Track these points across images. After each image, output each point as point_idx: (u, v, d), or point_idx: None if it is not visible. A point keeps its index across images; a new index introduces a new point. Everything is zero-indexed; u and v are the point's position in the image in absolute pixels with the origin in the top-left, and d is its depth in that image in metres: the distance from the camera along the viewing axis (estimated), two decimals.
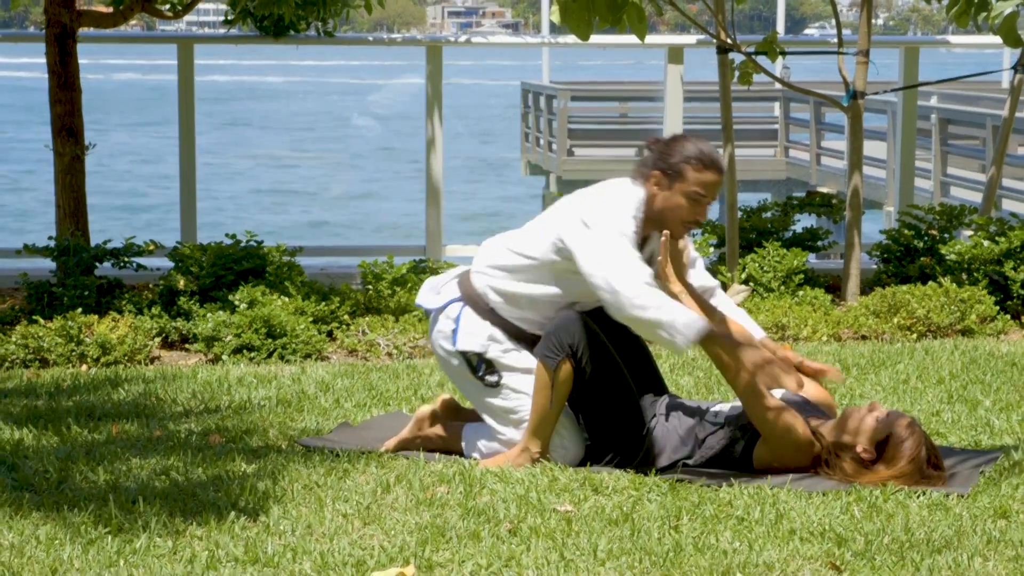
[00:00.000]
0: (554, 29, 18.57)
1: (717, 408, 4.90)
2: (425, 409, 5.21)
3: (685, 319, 4.66)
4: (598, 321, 4.87)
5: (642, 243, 4.91)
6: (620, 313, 4.72)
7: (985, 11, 7.63)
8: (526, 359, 4.95)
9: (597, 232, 4.76)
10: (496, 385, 4.96)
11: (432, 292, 5.14)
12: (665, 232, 4.86)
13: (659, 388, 5.03)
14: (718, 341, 4.68)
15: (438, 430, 5.18)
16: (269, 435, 5.41)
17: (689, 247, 5.07)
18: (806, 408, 4.84)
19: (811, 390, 4.97)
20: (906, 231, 8.54)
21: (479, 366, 4.97)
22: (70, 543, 4.04)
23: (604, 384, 4.86)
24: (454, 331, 5.00)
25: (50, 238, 7.93)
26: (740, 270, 8.22)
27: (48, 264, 8.17)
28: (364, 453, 5.05)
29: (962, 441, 5.24)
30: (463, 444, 5.13)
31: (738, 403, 4.86)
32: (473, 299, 5.00)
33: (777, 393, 4.81)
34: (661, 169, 4.86)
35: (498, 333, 4.97)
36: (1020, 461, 4.83)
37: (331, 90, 59.55)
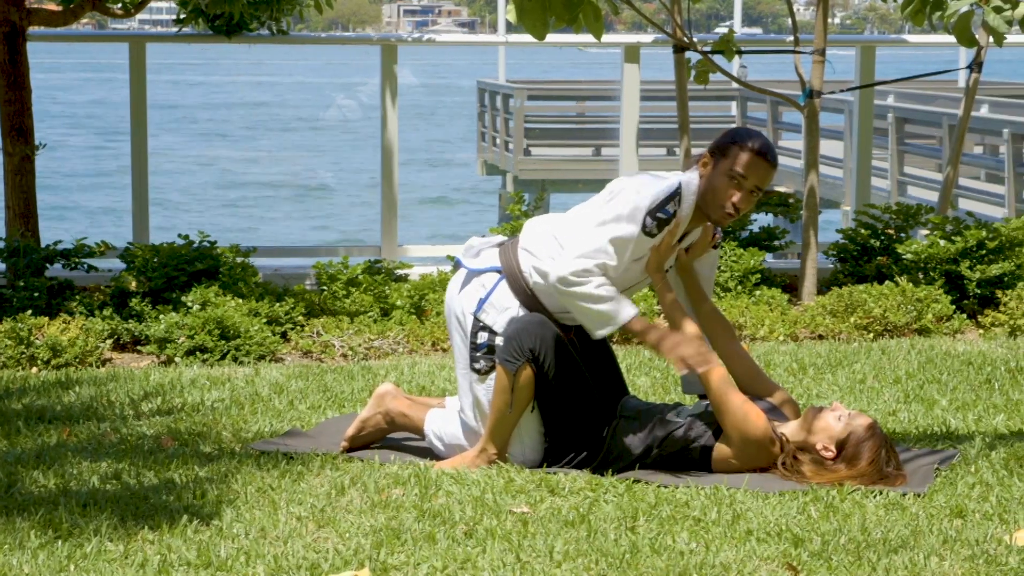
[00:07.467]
0: (510, 28, 18.56)
1: (678, 408, 4.88)
2: (387, 385, 5.17)
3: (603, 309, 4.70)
4: (559, 322, 4.85)
5: (684, 235, 4.89)
6: (549, 279, 4.74)
7: (940, 10, 7.64)
8: None
9: (608, 208, 4.75)
10: (483, 373, 4.90)
11: (471, 252, 5.03)
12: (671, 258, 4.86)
13: (620, 388, 5.00)
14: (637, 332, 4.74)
15: (401, 406, 5.13)
16: (222, 438, 5.36)
17: (712, 261, 5.06)
18: (771, 412, 4.83)
19: (776, 396, 4.96)
20: (863, 230, 8.55)
21: (482, 346, 4.90)
22: (19, 548, 3.99)
23: (565, 385, 4.82)
24: (481, 299, 4.91)
25: None
26: None
27: None
28: (318, 455, 5.00)
29: (919, 441, 5.24)
30: (425, 425, 5.09)
31: (700, 404, 4.85)
32: (513, 275, 4.91)
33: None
34: (711, 150, 4.86)
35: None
36: (976, 460, 4.83)
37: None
